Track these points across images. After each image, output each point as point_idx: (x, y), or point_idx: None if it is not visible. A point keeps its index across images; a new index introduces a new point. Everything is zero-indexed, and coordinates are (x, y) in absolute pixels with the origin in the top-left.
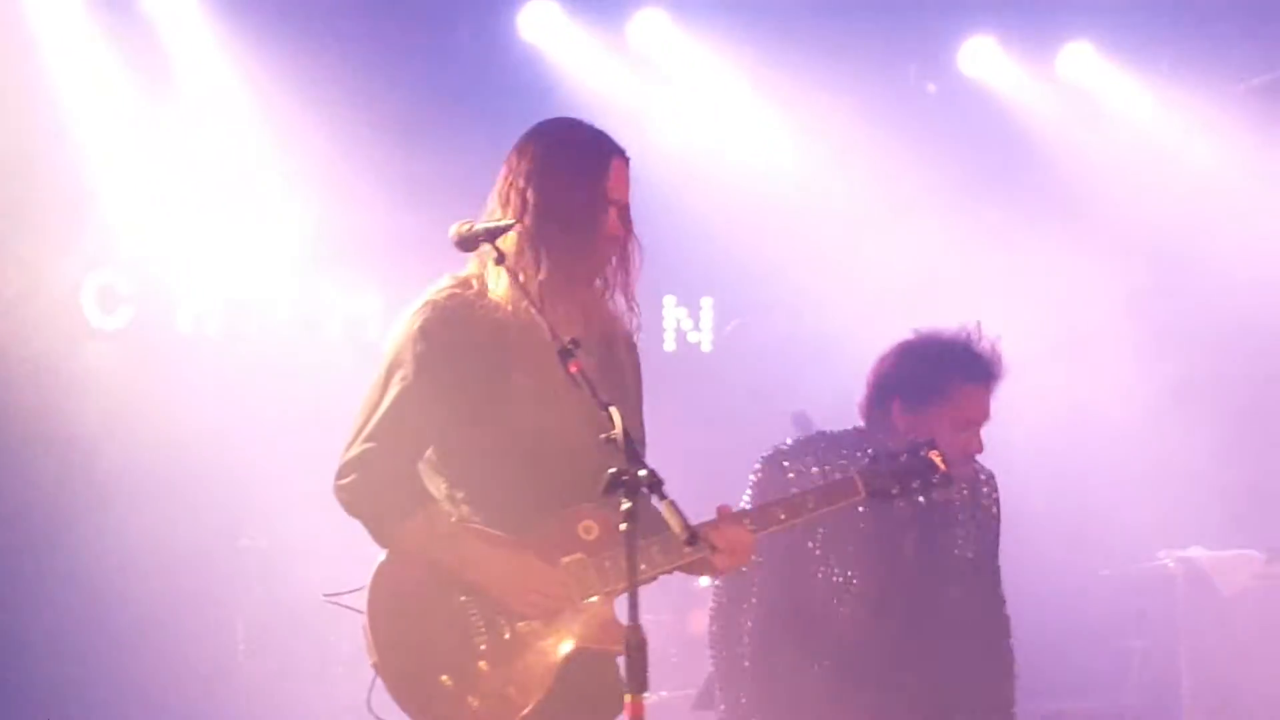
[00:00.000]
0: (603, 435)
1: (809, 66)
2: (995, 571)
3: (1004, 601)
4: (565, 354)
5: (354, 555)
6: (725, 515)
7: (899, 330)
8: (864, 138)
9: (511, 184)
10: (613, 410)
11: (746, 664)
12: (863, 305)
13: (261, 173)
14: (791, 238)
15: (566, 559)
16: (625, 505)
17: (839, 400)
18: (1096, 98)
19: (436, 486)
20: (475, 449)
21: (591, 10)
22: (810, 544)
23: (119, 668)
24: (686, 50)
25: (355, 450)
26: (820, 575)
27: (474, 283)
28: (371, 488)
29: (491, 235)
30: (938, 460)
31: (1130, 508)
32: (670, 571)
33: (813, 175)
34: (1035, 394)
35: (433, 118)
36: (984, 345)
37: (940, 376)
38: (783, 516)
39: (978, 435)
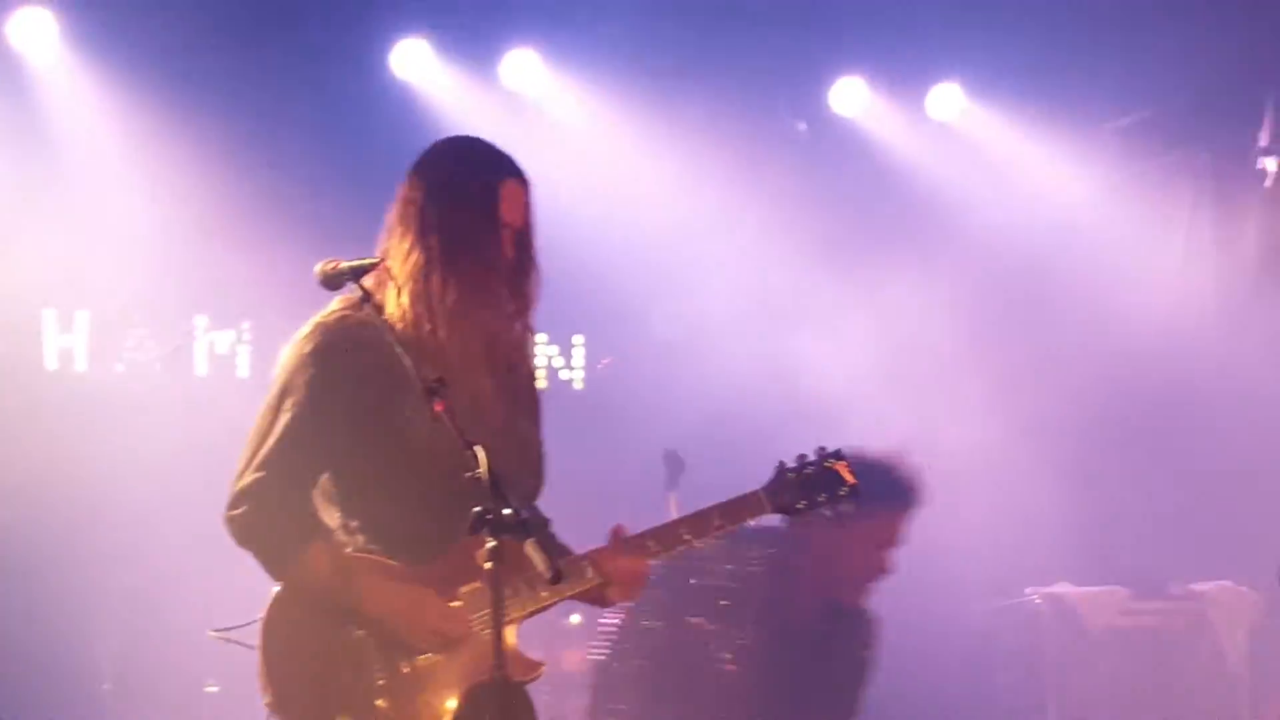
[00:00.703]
0: (467, 474)
1: (681, 106)
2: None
3: None
4: (431, 392)
5: (226, 591)
6: (619, 541)
7: (768, 369)
8: (735, 176)
9: (406, 205)
10: (478, 450)
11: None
12: (734, 343)
13: (131, 208)
14: (662, 275)
15: (465, 589)
16: (491, 544)
17: (710, 439)
18: (964, 137)
19: (331, 516)
20: (369, 477)
21: (463, 49)
22: (698, 618)
23: None
24: (557, 89)
25: (246, 480)
26: (703, 645)
27: (363, 306)
28: (263, 519)
29: (357, 274)
30: (845, 472)
31: (993, 544)
32: (563, 599)
33: (684, 213)
34: (889, 429)
35: (305, 154)
36: (905, 470)
37: (869, 495)
38: (687, 536)
39: (891, 556)
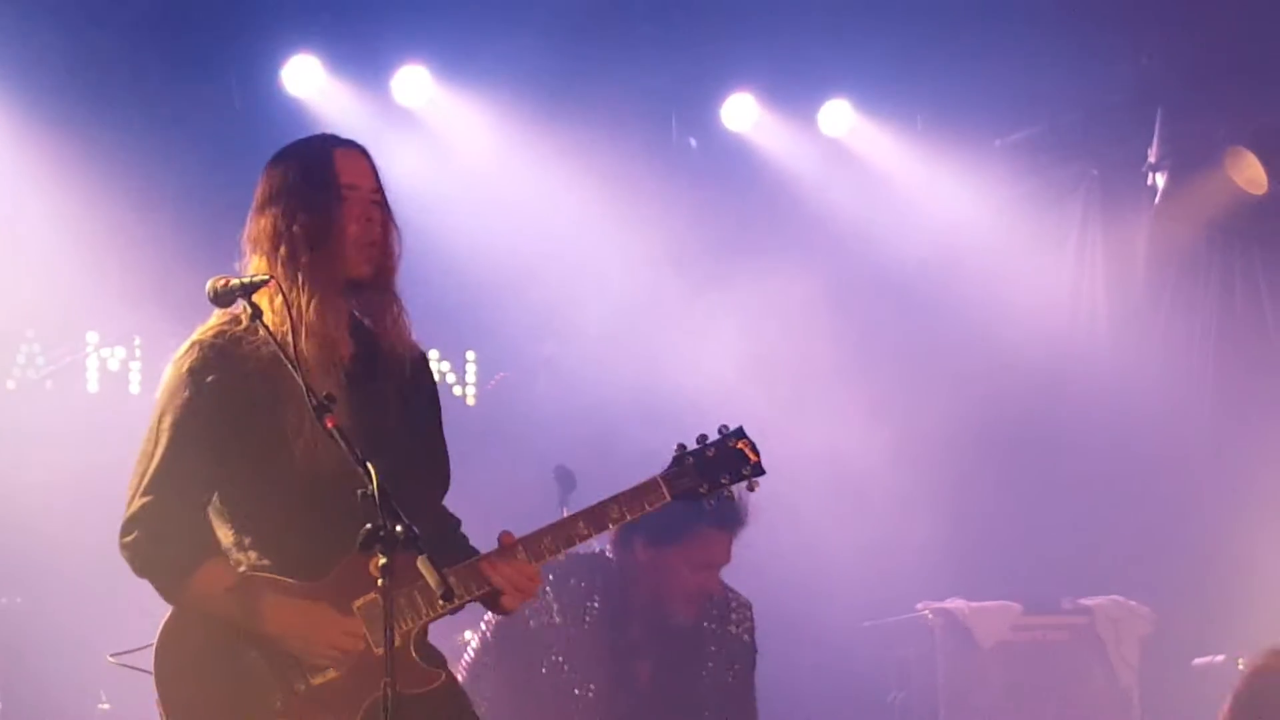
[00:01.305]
0: (359, 491)
1: (572, 122)
2: (750, 699)
3: None
4: (321, 410)
5: (120, 609)
6: (505, 548)
7: (661, 386)
8: (626, 192)
9: (251, 219)
10: (370, 466)
11: None
12: (625, 359)
13: (21, 224)
14: (555, 291)
15: (359, 602)
16: (382, 562)
17: (601, 453)
18: (854, 153)
19: (225, 534)
20: (256, 492)
21: (354, 66)
22: (555, 655)
23: None
24: (448, 106)
25: (135, 506)
26: (558, 682)
27: (243, 318)
28: (153, 544)
29: (247, 290)
30: (748, 451)
31: (885, 559)
32: (461, 607)
33: (575, 229)
34: (789, 448)
35: (197, 170)
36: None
37: (684, 518)
38: (585, 530)
39: (716, 576)
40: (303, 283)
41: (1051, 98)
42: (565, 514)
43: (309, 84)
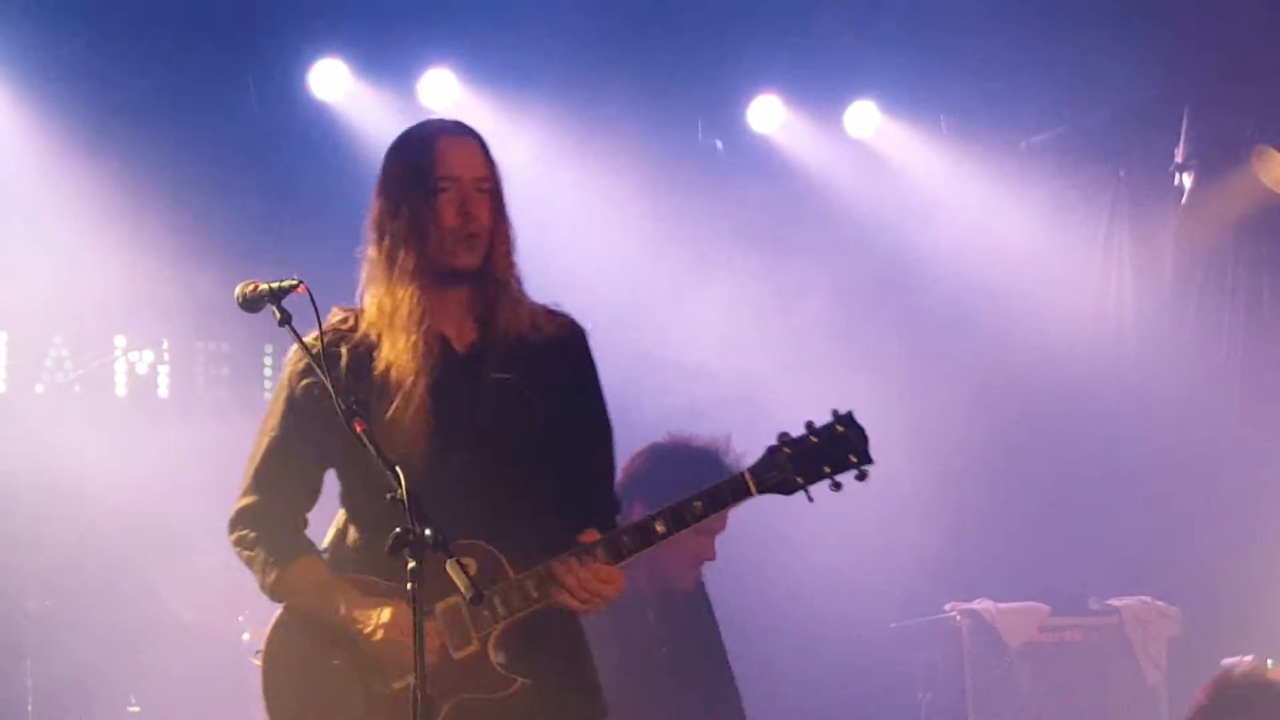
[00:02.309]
0: (388, 494)
1: (598, 124)
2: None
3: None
4: (350, 415)
5: (149, 612)
6: (584, 547)
7: (685, 386)
8: (653, 194)
9: (369, 216)
10: (399, 470)
11: None
12: (651, 361)
13: (49, 229)
14: (583, 296)
15: (441, 604)
16: (411, 565)
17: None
18: (879, 154)
19: (339, 519)
20: (358, 485)
21: (381, 69)
22: None
23: None
24: (475, 109)
25: (239, 503)
26: None
27: (351, 319)
28: (250, 540)
29: (276, 296)
30: (856, 438)
31: (914, 560)
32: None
33: (602, 231)
34: None
35: (224, 174)
36: (731, 456)
37: (688, 481)
38: (663, 528)
39: (712, 543)
40: (398, 275)
41: (1077, 99)
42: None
43: (335, 88)
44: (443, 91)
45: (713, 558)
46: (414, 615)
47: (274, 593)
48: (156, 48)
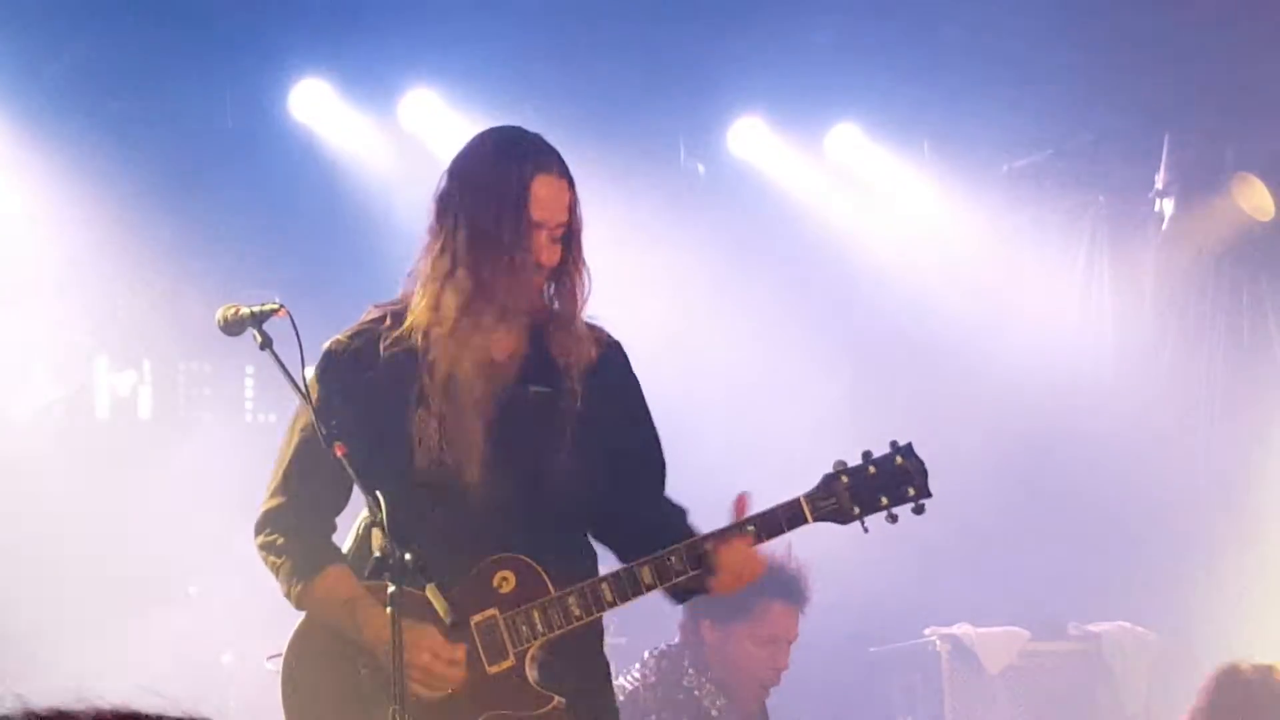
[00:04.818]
0: (370, 521)
1: (578, 147)
2: None
3: None
4: (329, 439)
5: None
6: (737, 523)
7: (660, 410)
8: (633, 217)
9: (439, 202)
10: (379, 495)
11: None
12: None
13: (29, 250)
14: None
15: (478, 617)
16: (391, 589)
17: None
18: (861, 177)
19: (364, 514)
20: (387, 490)
21: (362, 89)
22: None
23: None
24: (456, 129)
25: (265, 506)
26: None
27: (389, 318)
28: (276, 546)
29: (258, 320)
30: (915, 470)
31: (892, 585)
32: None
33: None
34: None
35: (204, 195)
36: (793, 565)
37: (748, 595)
38: (709, 546)
39: (785, 651)
40: (461, 284)
41: (1059, 124)
42: None
43: (316, 108)
44: (423, 112)
45: (785, 666)
46: (394, 640)
47: (298, 603)
48: (136, 68)
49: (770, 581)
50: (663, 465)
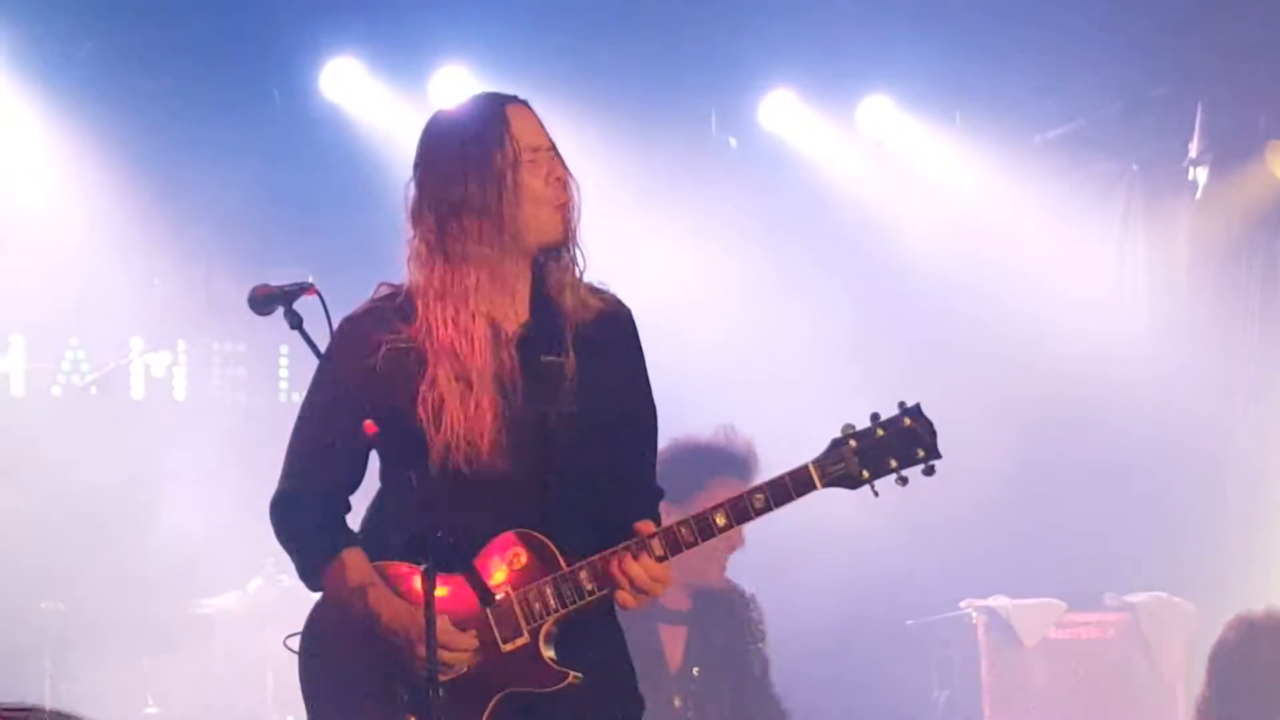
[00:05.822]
0: (393, 501)
1: (611, 120)
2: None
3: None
4: (358, 416)
5: (158, 616)
6: (641, 538)
7: (692, 383)
8: (665, 190)
9: (416, 193)
10: (412, 475)
11: None
12: (658, 359)
13: (64, 231)
14: None
15: (499, 597)
16: (425, 566)
17: None
18: (893, 149)
19: (379, 491)
20: (395, 472)
21: (393, 67)
22: None
23: None
24: None
25: (278, 488)
26: None
27: (399, 295)
28: (289, 529)
29: (288, 298)
30: (924, 430)
31: (930, 556)
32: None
33: (614, 227)
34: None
35: (236, 175)
36: (739, 443)
37: (699, 473)
38: (723, 521)
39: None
40: (462, 251)
41: (1091, 93)
42: None
43: (348, 87)
44: (455, 88)
45: (740, 544)
46: (426, 615)
47: (312, 586)
48: (170, 50)
49: (718, 460)
50: (648, 436)
